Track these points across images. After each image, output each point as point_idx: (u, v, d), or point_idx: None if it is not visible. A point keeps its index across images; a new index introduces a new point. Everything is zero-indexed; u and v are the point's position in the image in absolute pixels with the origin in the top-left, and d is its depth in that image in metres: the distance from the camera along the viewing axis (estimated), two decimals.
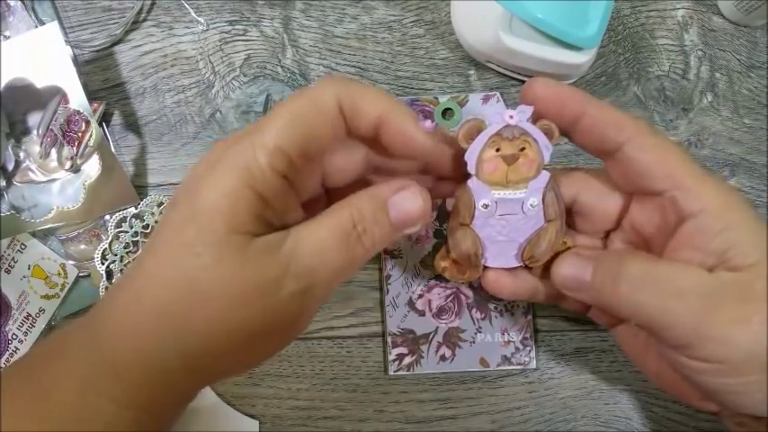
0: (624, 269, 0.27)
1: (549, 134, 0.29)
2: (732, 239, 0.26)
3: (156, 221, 0.39)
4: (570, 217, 0.32)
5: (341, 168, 0.28)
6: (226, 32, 0.40)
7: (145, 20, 0.41)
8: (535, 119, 0.29)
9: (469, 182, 0.29)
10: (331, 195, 0.30)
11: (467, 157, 0.29)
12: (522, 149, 0.29)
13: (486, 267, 0.31)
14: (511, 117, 0.29)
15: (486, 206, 0.30)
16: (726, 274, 0.26)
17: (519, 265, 0.31)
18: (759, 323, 0.25)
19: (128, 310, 0.24)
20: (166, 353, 0.23)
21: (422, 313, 0.38)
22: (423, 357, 0.38)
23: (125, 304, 0.24)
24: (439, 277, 0.38)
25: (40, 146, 0.38)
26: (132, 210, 0.39)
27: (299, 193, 0.27)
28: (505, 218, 0.30)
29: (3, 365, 0.38)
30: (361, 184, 0.28)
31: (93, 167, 0.38)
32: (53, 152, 0.39)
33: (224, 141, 0.25)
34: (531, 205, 0.30)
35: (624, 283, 0.27)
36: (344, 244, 0.25)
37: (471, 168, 0.29)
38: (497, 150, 0.29)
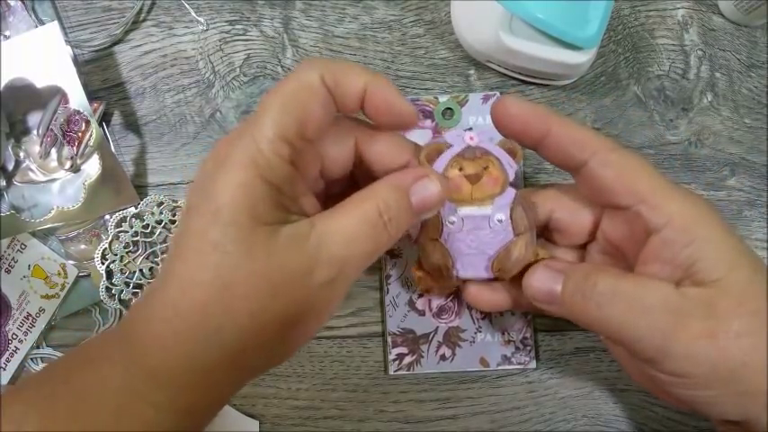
0: (592, 285, 0.27)
1: (512, 153, 0.30)
2: (698, 254, 0.27)
3: (156, 221, 0.39)
4: (547, 232, 0.33)
5: (335, 158, 0.29)
6: (226, 32, 0.40)
7: (145, 20, 0.41)
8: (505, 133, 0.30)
9: None
10: (328, 199, 0.30)
11: None
12: (486, 168, 0.30)
13: (465, 281, 0.32)
14: (471, 138, 0.30)
15: (453, 222, 0.31)
16: (691, 290, 0.26)
17: (489, 276, 0.31)
18: (723, 339, 0.25)
19: (166, 321, 0.23)
20: (208, 353, 0.23)
21: (422, 313, 0.38)
22: (423, 357, 0.38)
23: (162, 315, 0.24)
24: None
25: (40, 146, 0.38)
26: (132, 210, 0.39)
27: (306, 178, 0.27)
28: (474, 233, 0.31)
29: (3, 365, 0.38)
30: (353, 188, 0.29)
31: (93, 167, 0.38)
32: (53, 152, 0.39)
33: (226, 139, 0.25)
34: (497, 221, 0.30)
35: (593, 299, 0.27)
36: (372, 233, 0.26)
37: None
38: (460, 170, 0.30)
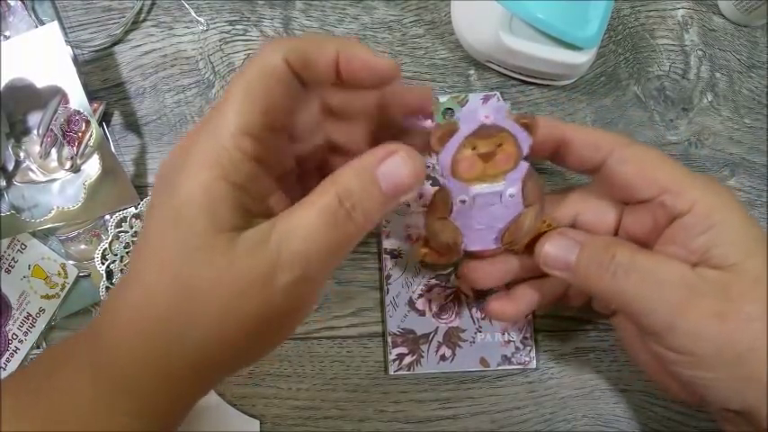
0: (611, 256, 0.28)
1: (528, 128, 0.29)
2: (715, 239, 0.27)
3: None
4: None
5: (301, 123, 0.28)
6: (226, 32, 0.40)
7: (145, 20, 0.41)
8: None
9: (446, 181, 0.29)
10: (303, 170, 0.29)
11: (440, 160, 0.28)
12: (500, 145, 0.29)
13: (464, 257, 0.32)
14: (486, 117, 0.28)
15: (464, 201, 0.30)
16: (707, 271, 0.27)
17: (497, 247, 0.31)
18: (733, 321, 0.26)
19: (131, 324, 0.23)
20: (174, 361, 0.23)
21: (422, 313, 0.38)
22: (423, 357, 0.38)
23: (127, 317, 0.24)
24: (439, 277, 0.38)
25: (40, 146, 0.38)
26: (132, 210, 0.38)
27: (273, 168, 0.26)
28: (484, 209, 0.30)
29: (3, 365, 0.38)
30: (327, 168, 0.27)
31: (93, 167, 0.38)
32: (53, 152, 0.39)
33: (192, 131, 0.25)
34: (509, 195, 0.30)
35: (609, 269, 0.28)
36: (333, 223, 0.23)
37: (446, 170, 0.29)
38: (473, 149, 0.29)
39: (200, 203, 0.23)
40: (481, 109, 0.28)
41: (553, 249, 0.30)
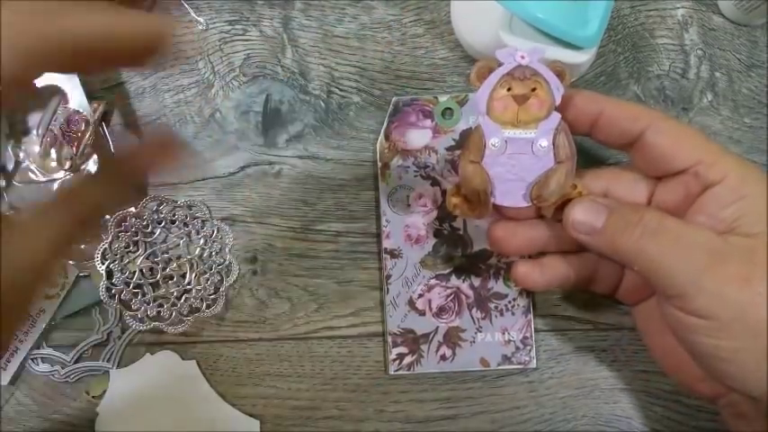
0: (639, 217, 0.28)
1: (560, 75, 0.30)
2: (744, 209, 0.28)
3: (156, 221, 0.39)
4: None
5: None
6: (225, 32, 0.40)
7: None
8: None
9: (480, 120, 0.30)
10: None
11: (477, 96, 0.30)
12: (534, 90, 0.30)
13: (496, 207, 0.32)
14: (522, 57, 0.30)
15: (495, 145, 0.30)
16: (734, 238, 0.27)
17: (527, 204, 0.31)
18: (758, 285, 0.26)
19: None
20: None
21: (422, 313, 0.38)
22: (423, 357, 0.38)
23: None
24: (439, 277, 0.38)
25: (40, 146, 0.38)
26: (132, 210, 0.39)
27: None
28: (515, 157, 0.31)
29: (3, 365, 0.38)
30: None
31: (92, 168, 0.38)
32: (53, 152, 0.39)
33: None
34: (540, 146, 0.30)
35: (636, 230, 0.28)
36: None
37: (482, 107, 0.30)
38: (508, 90, 0.30)
39: None
40: (518, 49, 0.30)
41: (581, 212, 0.30)
